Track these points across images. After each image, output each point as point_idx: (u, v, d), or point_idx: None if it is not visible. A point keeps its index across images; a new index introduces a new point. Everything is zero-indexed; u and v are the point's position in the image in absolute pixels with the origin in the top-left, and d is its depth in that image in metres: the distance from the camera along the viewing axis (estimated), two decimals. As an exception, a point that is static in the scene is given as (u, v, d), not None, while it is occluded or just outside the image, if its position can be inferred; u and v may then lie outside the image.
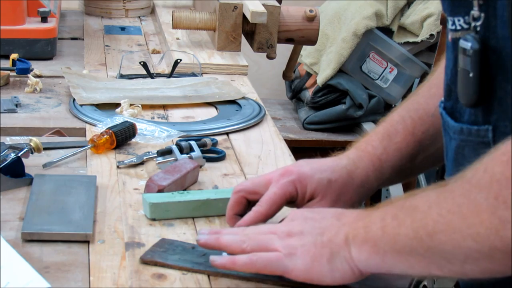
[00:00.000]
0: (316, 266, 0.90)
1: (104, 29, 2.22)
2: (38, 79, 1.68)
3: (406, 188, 2.75)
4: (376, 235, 0.86)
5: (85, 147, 1.34)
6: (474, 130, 0.89)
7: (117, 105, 1.56)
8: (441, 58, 1.02)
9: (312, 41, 1.94)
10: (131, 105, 1.56)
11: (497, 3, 0.83)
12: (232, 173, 1.31)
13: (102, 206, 1.16)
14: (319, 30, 1.93)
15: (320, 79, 2.95)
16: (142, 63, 1.78)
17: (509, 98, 0.84)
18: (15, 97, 1.59)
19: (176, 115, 1.58)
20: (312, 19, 1.91)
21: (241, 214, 1.06)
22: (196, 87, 1.71)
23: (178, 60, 1.80)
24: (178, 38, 2.04)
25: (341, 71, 2.95)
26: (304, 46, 2.35)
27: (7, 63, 1.75)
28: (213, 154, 1.37)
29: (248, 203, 1.07)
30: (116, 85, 1.69)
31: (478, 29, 0.85)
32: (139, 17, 2.39)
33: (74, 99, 1.58)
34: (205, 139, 1.38)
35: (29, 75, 1.69)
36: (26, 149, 1.25)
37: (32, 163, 1.26)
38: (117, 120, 1.45)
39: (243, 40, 1.96)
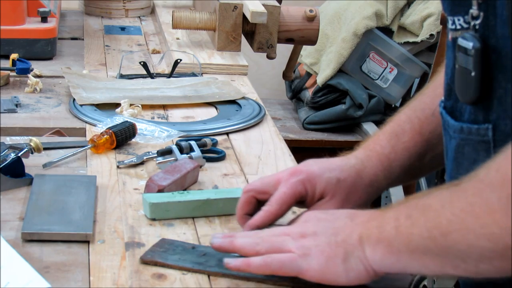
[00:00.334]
0: (330, 267, 0.90)
1: (104, 29, 2.22)
2: (38, 79, 1.68)
3: (406, 190, 2.75)
4: (390, 235, 0.86)
5: (85, 147, 1.34)
6: (474, 129, 0.89)
7: (117, 105, 1.56)
8: (444, 58, 1.03)
9: (312, 41, 1.94)
10: (131, 105, 1.56)
11: (497, 2, 0.83)
12: (232, 173, 1.31)
13: (102, 206, 1.16)
14: (319, 30, 1.93)
15: (320, 79, 2.95)
16: (142, 63, 1.78)
17: (509, 97, 0.84)
18: (15, 97, 1.59)
19: (176, 115, 1.58)
20: (312, 19, 1.91)
21: (251, 214, 1.06)
22: (196, 87, 1.71)
23: (178, 60, 1.80)
24: (178, 38, 2.04)
25: (341, 71, 2.95)
26: (304, 46, 2.35)
27: (7, 63, 1.75)
28: (213, 154, 1.37)
29: (257, 203, 1.07)
30: (116, 85, 1.69)
31: (477, 27, 0.85)
32: (139, 17, 2.39)
33: (74, 99, 1.58)
34: (205, 139, 1.38)
35: (29, 75, 1.69)
36: (26, 149, 1.25)
37: (32, 163, 1.26)
38: (117, 120, 1.45)
39: (243, 40, 1.96)
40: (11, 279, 0.90)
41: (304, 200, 1.06)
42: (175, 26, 1.96)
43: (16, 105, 1.55)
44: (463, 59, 0.86)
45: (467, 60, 0.86)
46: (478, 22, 0.85)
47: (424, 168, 1.12)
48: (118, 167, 1.30)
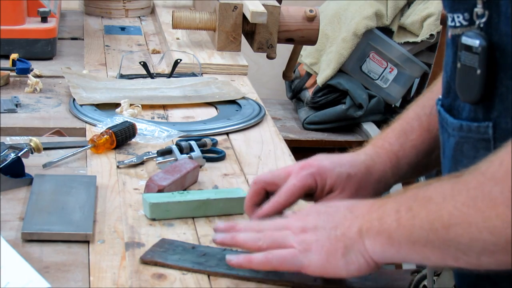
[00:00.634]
0: (331, 261, 0.91)
1: (104, 29, 2.22)
2: (38, 79, 1.68)
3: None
4: (391, 227, 0.87)
5: (85, 147, 1.34)
6: (474, 127, 0.89)
7: (117, 105, 1.56)
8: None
9: (312, 41, 1.94)
10: (131, 105, 1.56)
11: (500, 1, 0.83)
12: (232, 173, 1.31)
13: (102, 206, 1.16)
14: (319, 30, 1.93)
15: (320, 79, 2.95)
16: (142, 63, 1.78)
17: (510, 95, 0.84)
18: (15, 97, 1.59)
19: (176, 115, 1.58)
20: (312, 19, 1.91)
21: (259, 205, 1.07)
22: (196, 87, 1.71)
23: (178, 60, 1.80)
24: (178, 38, 2.04)
25: (341, 71, 2.95)
26: (304, 46, 2.35)
27: (7, 63, 1.75)
28: (213, 154, 1.37)
29: (266, 194, 1.08)
30: (116, 85, 1.69)
31: (481, 26, 0.85)
32: (139, 17, 2.39)
33: (74, 99, 1.58)
34: (205, 139, 1.38)
35: (29, 75, 1.69)
36: (26, 149, 1.25)
37: (32, 163, 1.26)
38: (117, 120, 1.45)
39: (243, 40, 1.96)
40: (11, 279, 0.90)
41: (313, 193, 1.06)
42: (175, 26, 1.96)
43: (16, 105, 1.55)
44: (468, 57, 0.86)
45: (472, 58, 0.86)
46: (483, 20, 0.85)
47: (430, 164, 1.13)
48: (118, 167, 1.30)
